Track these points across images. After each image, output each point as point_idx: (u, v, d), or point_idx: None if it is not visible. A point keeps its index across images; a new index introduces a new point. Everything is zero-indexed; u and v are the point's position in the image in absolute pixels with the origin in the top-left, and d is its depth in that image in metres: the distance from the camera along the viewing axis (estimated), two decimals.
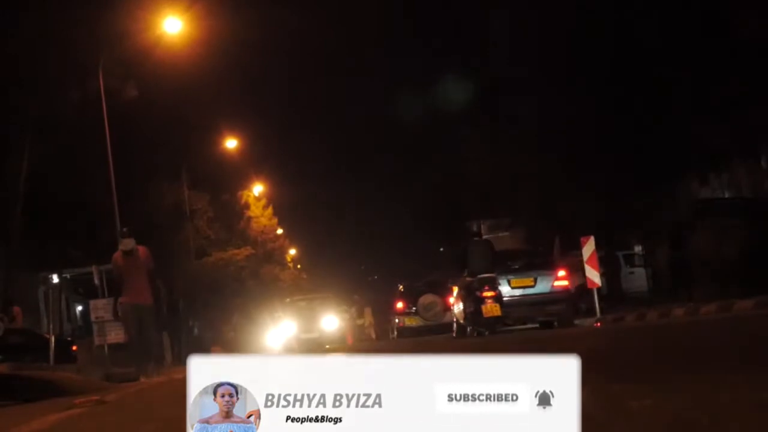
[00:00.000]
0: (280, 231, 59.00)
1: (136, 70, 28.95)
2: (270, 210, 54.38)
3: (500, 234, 37.55)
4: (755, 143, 25.23)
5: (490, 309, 17.68)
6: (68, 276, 30.73)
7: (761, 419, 2.63)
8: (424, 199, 47.93)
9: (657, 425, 2.73)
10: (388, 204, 59.01)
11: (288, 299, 37.26)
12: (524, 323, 21.27)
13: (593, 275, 20.67)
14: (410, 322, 33.63)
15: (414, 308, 33.38)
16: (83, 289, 31.23)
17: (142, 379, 13.59)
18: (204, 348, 41.48)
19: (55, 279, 29.38)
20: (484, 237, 37.94)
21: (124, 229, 16.02)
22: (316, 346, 29.61)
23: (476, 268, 18.37)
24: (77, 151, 27.77)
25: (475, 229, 19.16)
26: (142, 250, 14.94)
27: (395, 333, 34.31)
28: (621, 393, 3.44)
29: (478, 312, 17.71)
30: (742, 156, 27.03)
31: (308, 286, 61.72)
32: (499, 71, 29.10)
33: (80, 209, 28.83)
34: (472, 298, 18.24)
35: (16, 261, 27.31)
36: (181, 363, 32.31)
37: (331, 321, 34.06)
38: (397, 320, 34.35)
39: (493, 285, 18.08)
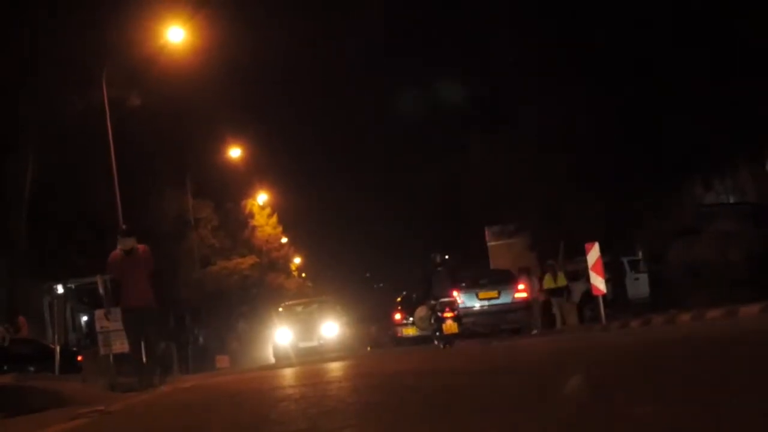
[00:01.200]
0: (284, 240, 59.03)
1: (140, 79, 28.98)
2: (275, 218, 54.41)
3: (505, 241, 37.52)
4: (760, 147, 25.16)
5: (450, 327, 20.97)
6: (73, 286, 30.66)
7: (765, 427, 2.62)
8: (429, 206, 47.93)
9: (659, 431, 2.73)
10: (394, 211, 58.98)
11: (282, 305, 34.31)
12: (492, 332, 24.48)
13: (598, 282, 20.59)
14: (407, 332, 34.93)
15: (411, 318, 34.56)
16: (88, 299, 31.19)
17: (148, 391, 12.64)
18: (209, 357, 41.52)
19: (60, 289, 29.33)
20: (489, 244, 38.71)
21: (124, 227, 14.83)
22: (317, 356, 26.81)
23: (438, 294, 21.35)
24: (81, 160, 27.79)
25: (438, 260, 22.24)
26: (141, 248, 13.86)
27: (395, 342, 35.56)
28: (624, 400, 3.44)
29: (440, 329, 20.97)
30: (746, 160, 26.96)
31: (313, 294, 61.65)
32: (502, 76, 29.07)
33: (84, 218, 28.86)
34: (435, 318, 21.38)
35: (21, 271, 27.30)
36: (187, 372, 32.32)
37: (332, 327, 31.26)
38: (395, 330, 36.02)
39: (453, 307, 21.16)
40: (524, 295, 25.69)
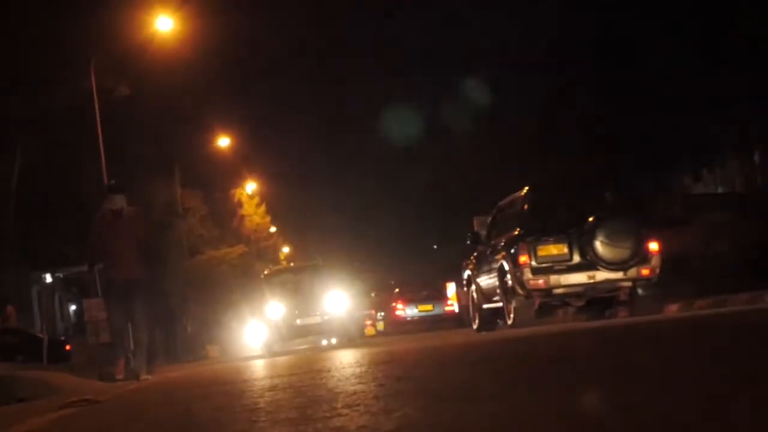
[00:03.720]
0: (273, 229, 58.96)
1: (129, 69, 28.92)
2: (263, 208, 54.38)
3: None
4: (748, 138, 25.23)
5: (369, 330, 35.98)
6: (61, 275, 30.61)
7: (754, 416, 2.64)
8: (419, 196, 47.97)
9: (647, 422, 2.74)
10: (383, 202, 59.03)
11: (267, 270, 27.59)
12: (425, 331, 30.78)
13: None
14: (381, 327, 36.66)
15: (383, 314, 36.83)
16: (76, 289, 31.14)
17: (136, 380, 11.33)
18: (198, 346, 41.52)
19: (49, 279, 29.30)
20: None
21: (113, 182, 12.85)
22: (322, 337, 22.39)
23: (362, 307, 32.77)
24: (70, 150, 27.74)
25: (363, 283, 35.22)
26: (133, 210, 11.96)
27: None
28: (611, 391, 3.45)
29: (362, 333, 31.14)
30: (735, 151, 27.05)
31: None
32: (493, 66, 29.15)
33: (73, 208, 28.82)
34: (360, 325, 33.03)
35: (9, 260, 27.27)
36: (176, 361, 32.30)
37: (339, 298, 23.41)
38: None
39: (371, 317, 36.84)
40: (452, 308, 34.76)
